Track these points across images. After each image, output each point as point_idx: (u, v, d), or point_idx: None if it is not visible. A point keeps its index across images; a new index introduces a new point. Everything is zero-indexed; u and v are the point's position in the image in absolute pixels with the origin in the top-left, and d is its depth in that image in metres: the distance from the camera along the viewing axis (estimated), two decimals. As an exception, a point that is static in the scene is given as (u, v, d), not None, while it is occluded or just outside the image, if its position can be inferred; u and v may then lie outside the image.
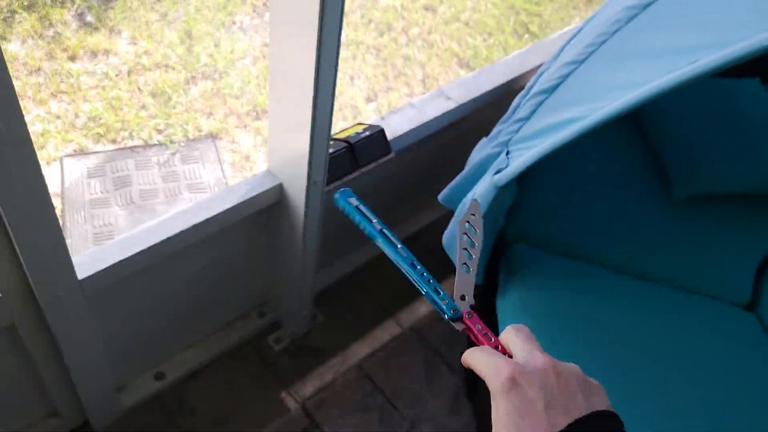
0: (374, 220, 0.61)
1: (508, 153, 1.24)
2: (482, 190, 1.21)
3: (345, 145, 1.42)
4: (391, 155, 1.49)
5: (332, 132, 1.30)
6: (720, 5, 1.02)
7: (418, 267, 0.60)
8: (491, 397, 0.49)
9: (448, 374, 1.70)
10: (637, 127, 1.72)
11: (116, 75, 2.58)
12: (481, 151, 1.38)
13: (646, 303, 1.43)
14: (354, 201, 0.61)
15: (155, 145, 2.36)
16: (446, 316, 0.57)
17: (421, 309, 1.83)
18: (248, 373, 1.65)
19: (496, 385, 0.48)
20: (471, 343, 0.56)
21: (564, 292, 1.40)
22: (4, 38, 2.64)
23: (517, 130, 1.26)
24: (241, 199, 1.34)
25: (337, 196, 0.62)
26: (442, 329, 1.79)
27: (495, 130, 1.40)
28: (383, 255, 2.18)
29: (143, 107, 2.47)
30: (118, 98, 2.48)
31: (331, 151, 1.36)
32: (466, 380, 1.67)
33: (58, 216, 1.21)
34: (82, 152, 2.29)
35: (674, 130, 1.64)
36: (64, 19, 2.78)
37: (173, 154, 2.34)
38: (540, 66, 1.79)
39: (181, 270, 1.43)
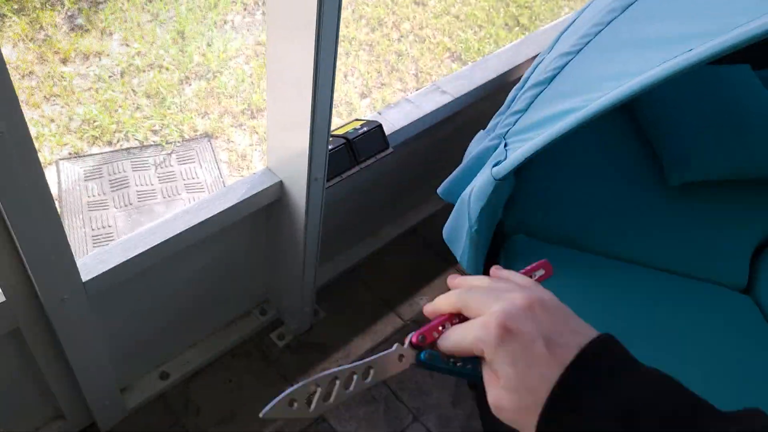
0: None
1: (506, 145, 1.25)
2: (481, 182, 1.23)
3: (343, 141, 1.42)
4: (390, 150, 1.50)
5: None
6: (712, -6, 1.03)
7: None
8: (486, 362, 0.45)
9: (451, 366, 1.71)
10: (630, 117, 1.74)
11: (109, 77, 2.58)
12: (478, 143, 1.39)
13: (644, 289, 1.45)
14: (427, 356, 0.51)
15: (151, 146, 2.36)
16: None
17: (422, 301, 1.85)
18: (252, 371, 1.66)
19: (488, 341, 0.44)
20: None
21: (563, 281, 1.41)
22: (-5, 42, 2.63)
23: (514, 123, 1.28)
24: (242, 198, 1.34)
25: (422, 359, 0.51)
26: (443, 322, 1.81)
27: (492, 123, 1.41)
28: (382, 249, 2.21)
29: (138, 108, 2.47)
30: (112, 100, 2.48)
31: (329, 147, 1.37)
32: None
33: (60, 219, 1.21)
34: (77, 155, 2.29)
35: (666, 119, 1.65)
36: (55, 22, 2.77)
37: (169, 154, 2.34)
38: (533, 58, 1.80)
39: (183, 270, 1.44)
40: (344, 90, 2.71)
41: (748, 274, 1.50)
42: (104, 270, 1.18)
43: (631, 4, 1.15)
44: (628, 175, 1.63)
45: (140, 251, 1.22)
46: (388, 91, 2.74)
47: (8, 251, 1.02)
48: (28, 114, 2.39)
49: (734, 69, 1.72)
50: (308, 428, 1.57)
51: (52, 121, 2.38)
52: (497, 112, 1.42)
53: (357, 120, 1.53)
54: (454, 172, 1.40)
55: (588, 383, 0.42)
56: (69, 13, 2.83)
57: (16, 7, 2.78)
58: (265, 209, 1.44)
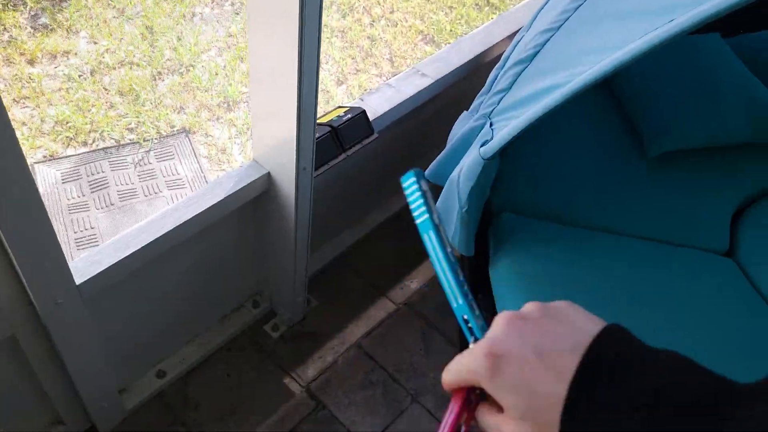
0: (435, 213, 0.52)
1: (491, 125, 1.27)
2: (469, 163, 1.24)
3: (328, 129, 1.42)
4: (375, 136, 1.50)
5: (315, 117, 1.31)
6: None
7: (461, 277, 0.52)
8: (489, 398, 0.44)
9: (445, 344, 1.74)
10: (608, 90, 1.76)
11: (80, 76, 2.53)
12: (462, 124, 1.40)
13: (629, 259, 1.48)
14: (425, 185, 0.52)
15: (128, 144, 2.33)
16: (474, 339, 0.51)
17: (412, 284, 1.86)
18: (248, 363, 1.66)
19: (481, 372, 0.43)
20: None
21: (553, 256, 1.44)
22: (-42, 46, 2.56)
23: (499, 102, 1.29)
24: (230, 192, 1.34)
25: (410, 174, 0.52)
26: (433, 302, 1.83)
27: (475, 103, 1.43)
28: (370, 235, 2.22)
29: (112, 107, 2.43)
30: (84, 99, 2.43)
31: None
32: (462, 348, 1.71)
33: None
34: (53, 158, 2.25)
35: (642, 91, 1.68)
36: (18, 23, 2.71)
37: (147, 152, 2.31)
38: (509, 37, 1.82)
39: (174, 267, 1.43)
40: (320, 77, 2.70)
41: (729, 238, 1.55)
42: (97, 271, 1.17)
43: (609, -22, 1.17)
44: (609, 148, 1.66)
45: (132, 251, 1.21)
46: (364, 77, 2.73)
47: (0, 258, 1.00)
48: (-1, 118, 2.33)
49: (706, 38, 1.75)
50: (308, 415, 1.58)
51: (24, 124, 2.33)
52: (480, 92, 1.43)
53: (340, 107, 1.52)
54: (441, 155, 1.41)
55: (598, 384, 0.39)
56: (32, 13, 2.76)
57: (-24, 9, 2.71)
58: (253, 201, 1.44)
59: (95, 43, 2.69)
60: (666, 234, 1.53)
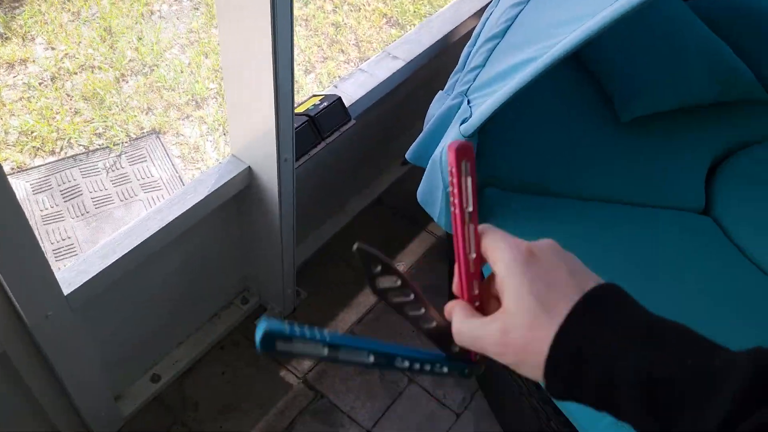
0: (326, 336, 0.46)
1: (469, 102, 1.27)
2: (451, 141, 1.24)
3: (306, 118, 1.42)
4: (352, 122, 1.50)
5: (292, 107, 1.30)
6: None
7: (416, 351, 0.50)
8: (504, 275, 0.44)
9: (437, 325, 1.75)
10: (578, 61, 1.78)
11: (40, 83, 2.47)
12: (439, 104, 1.41)
13: (611, 224, 1.50)
14: (285, 329, 0.45)
15: (98, 149, 2.29)
16: (466, 372, 0.51)
17: (399, 268, 1.87)
18: (243, 359, 1.66)
19: (512, 258, 0.44)
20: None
21: (535, 226, 1.46)
22: None
23: (474, 79, 1.29)
24: (213, 189, 1.33)
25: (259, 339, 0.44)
26: (422, 283, 1.84)
27: (450, 82, 1.43)
28: (353, 221, 2.22)
29: (77, 113, 2.38)
30: (47, 107, 2.37)
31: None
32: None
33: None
34: (21, 169, 2.20)
35: (610, 60, 1.70)
36: (-29, 33, 2.62)
37: (118, 156, 2.27)
38: (476, 14, 1.82)
39: (162, 269, 1.41)
40: (287, 68, 2.67)
41: (704, 196, 1.59)
42: (85, 280, 1.16)
43: (575, -52, 1.18)
44: (583, 117, 1.68)
45: (119, 256, 1.20)
46: (331, 64, 2.71)
47: (-14, 274, 0.98)
48: (-40, 133, 2.27)
49: (668, 3, 1.78)
50: (308, 406, 1.59)
51: (-13, 137, 2.27)
52: (454, 71, 1.44)
53: (315, 96, 1.52)
54: (420, 136, 1.42)
55: (612, 303, 0.42)
56: (-16, 22, 2.68)
57: (-76, 21, 2.61)
58: (236, 197, 1.43)
59: (53, 48, 2.62)
60: (644, 197, 1.56)
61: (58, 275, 1.11)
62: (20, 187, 2.13)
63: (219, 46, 1.20)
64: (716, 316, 1.33)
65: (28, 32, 2.66)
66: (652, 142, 1.65)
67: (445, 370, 0.50)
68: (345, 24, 2.92)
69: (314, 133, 1.43)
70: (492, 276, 0.48)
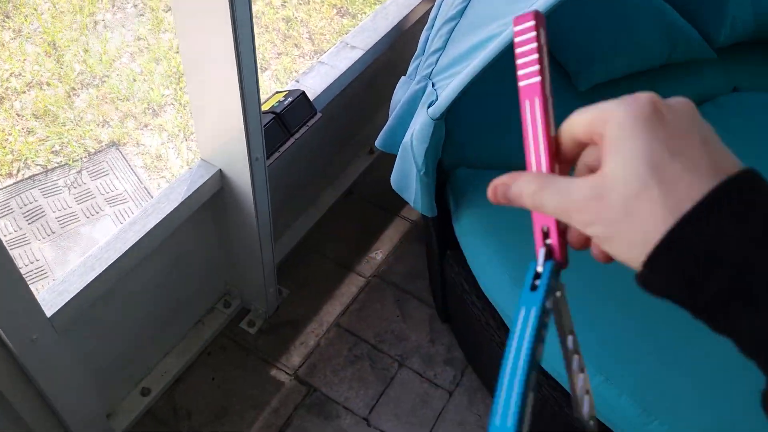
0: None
1: (433, 85, 1.29)
2: (420, 125, 1.26)
3: (272, 116, 1.41)
4: (318, 115, 1.50)
5: (257, 106, 1.30)
6: None
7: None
8: (615, 136, 0.34)
9: (420, 306, 1.78)
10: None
11: (-12, 106, 2.39)
12: (404, 90, 1.42)
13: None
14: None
15: (56, 167, 2.23)
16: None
17: (377, 256, 1.89)
18: (232, 363, 1.65)
19: (631, 114, 0.34)
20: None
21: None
22: None
23: (436, 61, 1.31)
24: (186, 195, 1.32)
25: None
26: (402, 268, 1.86)
27: (411, 67, 1.44)
28: (327, 214, 2.22)
29: (30, 132, 2.31)
30: (-2, 130, 2.30)
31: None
32: (436, 306, 1.76)
33: None
34: (-22, 195, 2.13)
35: (564, 32, 1.74)
36: None
37: (79, 172, 2.22)
38: (429, -3, 1.83)
39: (142, 281, 1.40)
40: (241, 68, 2.65)
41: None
42: (67, 300, 1.14)
43: (523, -75, 1.19)
44: (542, 90, 1.71)
45: (98, 272, 1.18)
46: (287, 59, 2.70)
47: (-34, 304, 0.96)
48: None
49: (612, -30, 1.82)
50: (302, 401, 1.59)
51: (-62, 166, 2.19)
52: (414, 56, 1.45)
53: (278, 93, 1.51)
54: (388, 123, 1.43)
55: (758, 197, 0.32)
56: None
57: None
58: (210, 201, 1.42)
59: (-3, 68, 2.53)
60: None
61: (39, 297, 1.09)
62: (-21, 213, 2.07)
63: (179, 49, 1.18)
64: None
65: (-32, 54, 2.57)
66: (610, 108, 1.70)
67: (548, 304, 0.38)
68: (296, 18, 2.90)
69: (282, 130, 1.43)
70: (589, 148, 0.37)
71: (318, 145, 1.79)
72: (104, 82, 2.52)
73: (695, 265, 0.31)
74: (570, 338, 0.41)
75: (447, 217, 1.50)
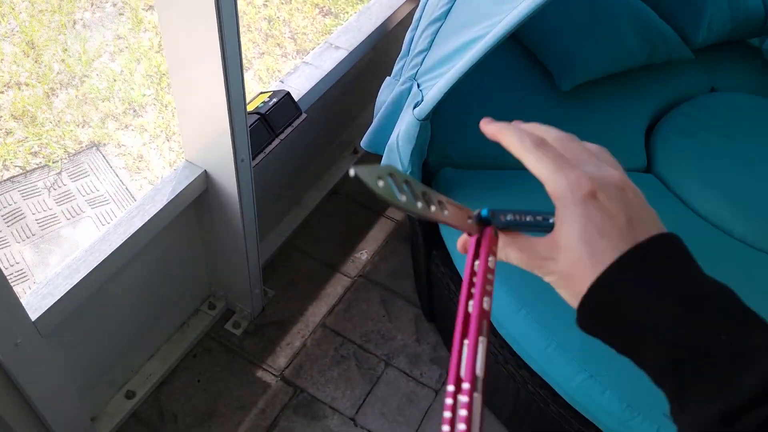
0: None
1: (419, 86, 1.30)
2: (406, 126, 1.27)
3: (257, 116, 1.41)
4: (304, 116, 1.50)
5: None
6: None
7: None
8: (558, 208, 0.43)
9: (405, 306, 1.79)
10: (513, 37, 1.83)
11: (-36, 106, 2.35)
12: (389, 90, 1.43)
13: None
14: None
15: (36, 169, 2.20)
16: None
17: (362, 256, 1.89)
18: (217, 364, 1.65)
19: (571, 194, 0.42)
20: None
21: (493, 200, 1.50)
22: None
23: (421, 62, 1.32)
24: (171, 197, 1.31)
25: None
26: (386, 268, 1.87)
27: (396, 68, 1.45)
28: (312, 214, 2.22)
29: (8, 133, 2.28)
30: (-25, 131, 2.26)
31: (246, 125, 1.35)
32: (422, 305, 1.77)
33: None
34: (-45, 198, 2.09)
35: (545, 34, 1.76)
36: None
37: (59, 173, 2.19)
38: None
39: (127, 283, 1.39)
40: (223, 68, 2.63)
41: (645, 154, 1.67)
42: (51, 303, 1.13)
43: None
44: (526, 91, 1.73)
45: (83, 275, 1.17)
46: (269, 59, 2.69)
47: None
48: None
49: (593, -27, 1.84)
50: (288, 401, 1.59)
51: None
52: (399, 56, 1.46)
53: (263, 93, 1.51)
54: (374, 124, 1.43)
55: (660, 260, 0.41)
56: None
57: None
58: (195, 202, 1.41)
59: (-27, 68, 2.49)
60: (590, 162, 1.63)
61: (23, 301, 1.08)
62: (-43, 216, 2.03)
63: (162, 48, 1.17)
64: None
65: (-57, 53, 2.52)
66: (592, 109, 1.72)
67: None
68: (278, 17, 2.89)
69: (267, 131, 1.42)
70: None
71: (303, 146, 1.79)
72: (84, 82, 2.48)
73: (607, 314, 0.41)
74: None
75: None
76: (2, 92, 2.41)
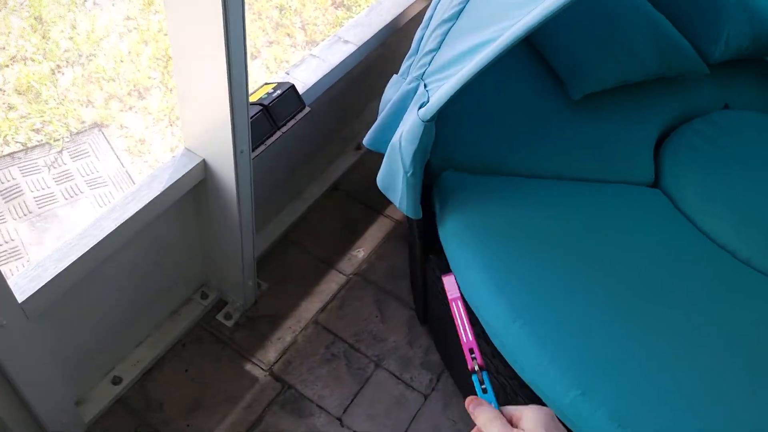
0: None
1: (426, 86, 1.27)
2: (410, 126, 1.24)
3: (260, 107, 1.39)
4: (307, 110, 1.48)
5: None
6: None
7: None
8: (527, 426, 0.58)
9: (400, 308, 1.76)
10: (527, 42, 1.80)
11: (-32, 78, 2.33)
12: (395, 88, 1.40)
13: (567, 201, 1.54)
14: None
15: (36, 146, 2.18)
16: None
17: (359, 254, 1.87)
18: (207, 355, 1.63)
19: (540, 415, 0.58)
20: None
21: (495, 207, 1.48)
22: None
23: (430, 62, 1.29)
24: (167, 184, 1.29)
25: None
26: (383, 268, 1.85)
27: (404, 66, 1.42)
28: (311, 209, 2.21)
29: (11, 108, 2.26)
30: (-22, 104, 2.25)
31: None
32: (416, 308, 1.75)
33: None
34: (-47, 170, 2.08)
35: (558, 40, 1.73)
36: None
37: (60, 152, 2.17)
38: (426, -5, 1.81)
39: (119, 268, 1.37)
40: (232, 54, 2.60)
41: (653, 169, 1.64)
42: (40, 286, 1.11)
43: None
44: (535, 98, 1.70)
45: (74, 259, 1.15)
46: (278, 48, 2.66)
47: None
48: None
49: (611, -20, 1.81)
50: (276, 397, 1.58)
51: None
52: (407, 54, 1.43)
53: (267, 84, 1.48)
54: (378, 122, 1.41)
55: None
56: None
57: None
58: (192, 191, 1.39)
59: (-21, 40, 2.47)
60: (596, 172, 1.60)
61: (10, 282, 1.06)
62: (-46, 189, 2.02)
63: (168, 32, 1.15)
64: (669, 285, 1.39)
65: (-49, 23, 2.50)
66: (602, 119, 1.69)
67: None
68: (289, 7, 2.86)
69: (269, 123, 1.40)
70: None
71: (305, 139, 1.77)
72: (90, 61, 2.46)
73: None
74: None
75: (432, 220, 1.48)
76: (8, 66, 2.39)
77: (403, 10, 1.75)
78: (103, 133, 2.25)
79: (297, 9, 2.86)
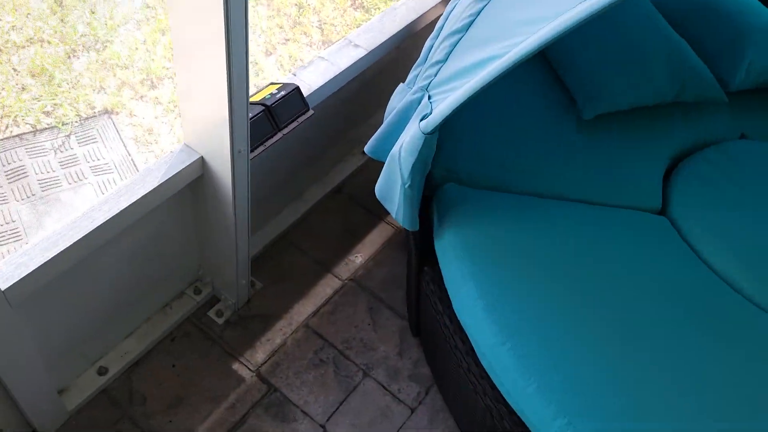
0: None
1: (430, 98, 1.25)
2: (410, 137, 1.22)
3: (262, 108, 1.37)
4: (311, 112, 1.46)
5: (247, 96, 1.25)
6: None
7: None
8: None
9: (392, 317, 1.74)
10: (540, 58, 1.77)
11: (-16, 57, 2.34)
12: (400, 97, 1.38)
13: (569, 223, 1.51)
14: None
15: (46, 129, 2.19)
16: None
17: (357, 259, 1.85)
18: (195, 351, 1.62)
19: None
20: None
21: (495, 223, 1.45)
22: None
23: (436, 74, 1.27)
24: (162, 180, 1.28)
25: None
26: (380, 275, 1.82)
27: (411, 75, 1.40)
28: (310, 211, 2.20)
29: (24, 89, 2.27)
30: (-8, 83, 2.26)
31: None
32: (410, 319, 1.72)
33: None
34: (-38, 147, 2.09)
35: (573, 57, 1.69)
36: None
37: (68, 136, 2.18)
38: (441, 3, 1.79)
39: (109, 260, 1.36)
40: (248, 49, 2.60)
41: (661, 196, 1.60)
42: (24, 274, 1.10)
43: (540, -55, 1.15)
44: (545, 114, 1.67)
45: (61, 249, 1.14)
46: (293, 46, 2.65)
47: None
48: None
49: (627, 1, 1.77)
50: (260, 399, 1.56)
51: (-74, 112, 2.15)
52: (415, 64, 1.41)
53: (272, 84, 1.47)
54: (380, 130, 1.39)
55: None
56: (-77, -12, 2.52)
57: None
58: (188, 188, 1.38)
59: (-1, 19, 2.48)
60: (601, 196, 1.57)
61: (-7, 269, 1.05)
62: (-39, 166, 2.03)
63: (170, 26, 1.14)
64: (666, 317, 1.36)
65: (-28, 1, 2.52)
66: (612, 141, 1.66)
67: None
68: (308, 5, 2.85)
69: (271, 124, 1.39)
70: None
71: (309, 141, 1.75)
72: (106, 47, 2.47)
73: None
74: None
75: (429, 231, 1.46)
76: (24, 47, 2.40)
77: (417, 17, 1.73)
78: (112, 120, 2.25)
79: (316, 8, 2.85)
